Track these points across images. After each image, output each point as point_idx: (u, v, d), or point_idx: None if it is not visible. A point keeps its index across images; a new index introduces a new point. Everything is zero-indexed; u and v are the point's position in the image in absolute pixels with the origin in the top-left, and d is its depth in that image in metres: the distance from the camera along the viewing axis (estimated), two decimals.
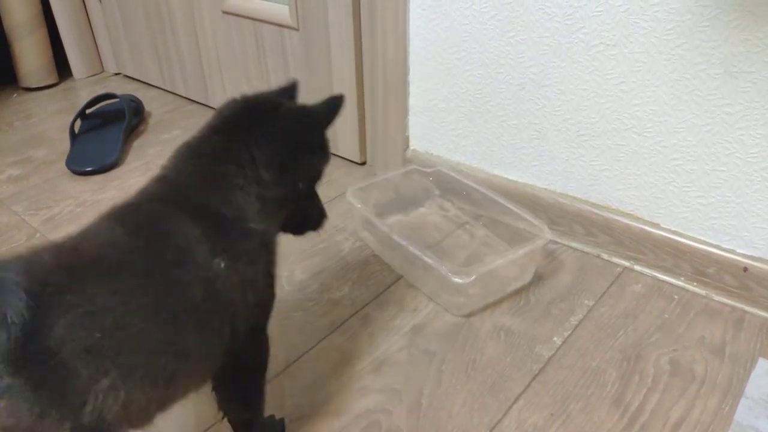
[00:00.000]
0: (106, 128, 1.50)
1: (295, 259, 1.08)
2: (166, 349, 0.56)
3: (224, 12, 1.44)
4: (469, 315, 0.95)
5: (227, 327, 0.62)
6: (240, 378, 0.70)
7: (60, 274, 0.51)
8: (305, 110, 0.73)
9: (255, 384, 0.72)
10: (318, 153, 0.74)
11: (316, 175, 0.76)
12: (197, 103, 1.69)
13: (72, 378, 0.48)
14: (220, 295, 0.60)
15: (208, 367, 0.64)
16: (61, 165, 1.39)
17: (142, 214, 0.63)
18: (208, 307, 0.60)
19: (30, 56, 1.75)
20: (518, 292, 0.99)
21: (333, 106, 0.74)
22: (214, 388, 0.70)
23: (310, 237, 1.11)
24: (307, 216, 0.78)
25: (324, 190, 1.27)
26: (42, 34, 1.74)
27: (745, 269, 0.94)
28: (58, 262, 0.53)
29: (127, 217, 0.62)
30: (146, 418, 0.58)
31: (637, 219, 1.03)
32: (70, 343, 0.48)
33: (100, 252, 0.56)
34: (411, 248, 0.94)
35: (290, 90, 0.77)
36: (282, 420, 0.79)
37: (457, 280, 0.89)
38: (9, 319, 0.44)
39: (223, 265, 0.60)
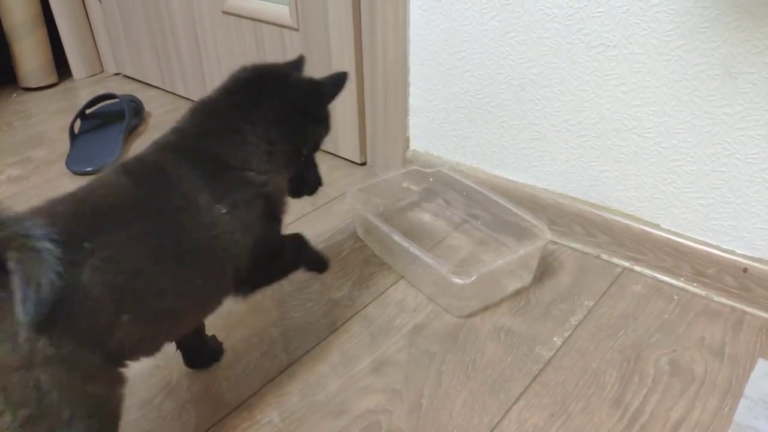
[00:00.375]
0: (105, 128, 1.50)
1: None
2: (175, 288, 0.63)
3: (224, 12, 1.44)
4: (469, 315, 0.95)
5: (230, 267, 0.68)
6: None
7: (78, 224, 0.58)
8: (313, 82, 0.80)
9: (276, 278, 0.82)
10: (321, 123, 0.81)
11: (317, 145, 0.83)
12: None
13: (99, 315, 0.56)
14: (221, 239, 0.66)
15: (214, 303, 0.70)
16: (61, 165, 1.39)
17: (148, 165, 0.68)
18: (211, 250, 0.65)
19: (30, 56, 1.75)
20: (518, 292, 0.99)
21: (338, 80, 0.80)
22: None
23: (309, 237, 1.11)
24: (304, 181, 0.83)
25: (324, 191, 1.27)
26: (42, 34, 1.74)
27: (745, 270, 0.94)
28: (75, 213, 0.60)
29: (133, 167, 0.68)
30: (157, 347, 0.66)
31: (637, 219, 1.03)
32: (96, 285, 0.55)
33: (109, 202, 0.62)
34: (411, 249, 0.94)
35: (298, 63, 0.84)
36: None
37: (457, 280, 0.89)
38: (49, 282, 0.51)
39: (224, 211, 0.66)
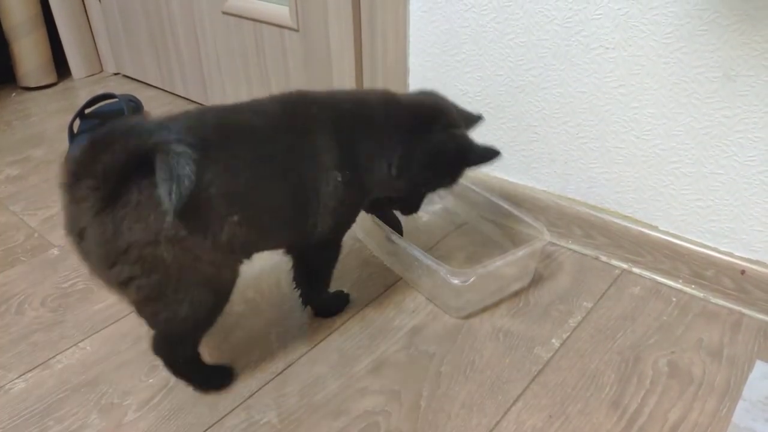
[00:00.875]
0: None
1: None
2: (273, 209, 0.76)
3: (224, 12, 1.44)
4: (468, 316, 0.95)
5: (314, 219, 0.80)
6: (310, 269, 0.91)
7: (216, 134, 0.71)
8: (465, 146, 0.88)
9: (320, 275, 0.91)
10: (448, 179, 0.91)
11: (435, 189, 0.94)
12: (196, 103, 1.69)
13: (215, 211, 0.70)
14: (323, 195, 0.79)
15: (291, 236, 0.83)
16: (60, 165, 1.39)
17: (304, 113, 0.79)
18: (310, 201, 0.78)
19: (29, 56, 1.75)
20: (517, 293, 1.00)
21: (489, 156, 0.90)
22: (293, 267, 0.91)
23: None
24: (406, 203, 0.94)
25: None
26: (41, 33, 1.74)
27: (743, 272, 0.94)
28: (218, 124, 0.73)
29: (292, 107, 0.79)
30: (250, 251, 0.79)
31: (636, 221, 1.03)
32: (215, 186, 0.68)
33: (253, 123, 0.75)
34: (410, 250, 0.94)
35: (471, 120, 0.94)
36: (347, 295, 0.98)
37: (456, 281, 0.89)
38: (187, 178, 0.63)
39: (339, 178, 0.79)
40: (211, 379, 0.84)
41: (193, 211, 0.66)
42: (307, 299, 0.94)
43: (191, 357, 0.82)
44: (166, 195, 0.63)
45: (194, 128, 0.69)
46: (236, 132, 0.73)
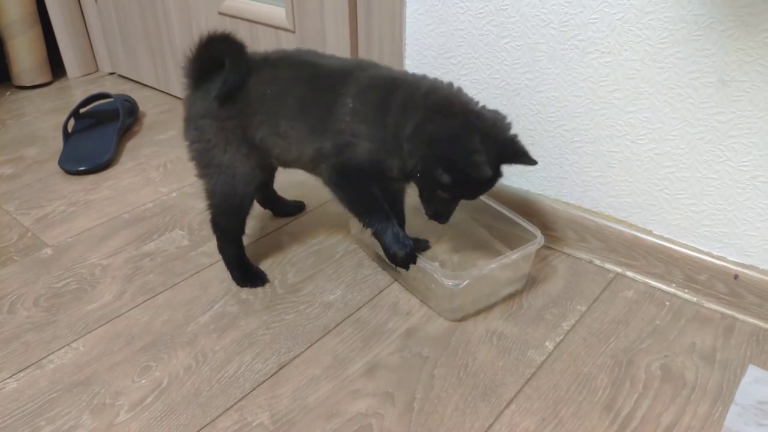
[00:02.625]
0: (99, 128, 1.49)
1: (289, 261, 1.08)
2: (293, 120, 0.92)
3: (220, 13, 1.43)
4: (462, 319, 0.95)
5: (328, 141, 0.90)
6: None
7: (257, 63, 0.93)
8: (477, 167, 0.82)
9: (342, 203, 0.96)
10: (449, 191, 0.89)
11: (436, 188, 0.89)
12: None
13: (252, 107, 0.92)
14: (335, 118, 0.89)
15: (305, 154, 0.94)
16: (54, 164, 1.39)
17: (337, 69, 0.93)
18: (325, 118, 0.90)
19: (24, 55, 1.74)
20: (511, 296, 1.00)
21: (492, 179, 0.87)
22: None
23: (303, 240, 1.11)
24: (425, 199, 0.93)
25: (319, 193, 1.28)
26: (36, 32, 1.74)
27: (736, 277, 0.95)
28: (259, 57, 0.95)
29: (329, 60, 0.96)
30: (269, 153, 0.96)
31: (630, 225, 1.03)
32: (253, 90, 0.92)
33: (283, 56, 0.97)
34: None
35: (502, 128, 0.88)
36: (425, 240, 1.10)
37: (450, 284, 0.89)
38: (229, 84, 0.91)
39: (350, 105, 0.89)
40: (247, 277, 1.03)
41: (233, 103, 0.92)
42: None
43: (236, 246, 1.03)
44: (216, 88, 0.91)
45: (257, 57, 0.94)
46: (279, 61, 0.95)
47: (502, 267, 0.94)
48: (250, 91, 0.92)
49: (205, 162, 0.97)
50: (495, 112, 0.89)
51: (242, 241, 1.03)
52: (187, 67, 0.94)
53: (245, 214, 1.01)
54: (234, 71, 0.90)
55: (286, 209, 1.21)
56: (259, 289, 1.01)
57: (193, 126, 0.96)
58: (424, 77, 0.92)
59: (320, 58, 0.96)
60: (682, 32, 0.86)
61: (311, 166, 0.96)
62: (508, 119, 0.88)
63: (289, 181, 1.19)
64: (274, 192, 1.19)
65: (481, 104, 0.89)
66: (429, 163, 0.85)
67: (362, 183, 0.92)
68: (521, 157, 0.88)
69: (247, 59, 0.92)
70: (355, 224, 1.12)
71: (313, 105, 0.92)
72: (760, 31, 0.80)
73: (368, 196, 0.92)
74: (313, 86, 0.92)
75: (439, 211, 0.92)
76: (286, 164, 1.00)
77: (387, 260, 0.93)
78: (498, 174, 0.88)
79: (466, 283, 0.89)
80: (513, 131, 0.88)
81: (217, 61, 0.91)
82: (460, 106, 0.87)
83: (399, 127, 0.87)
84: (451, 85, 0.90)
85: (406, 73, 0.96)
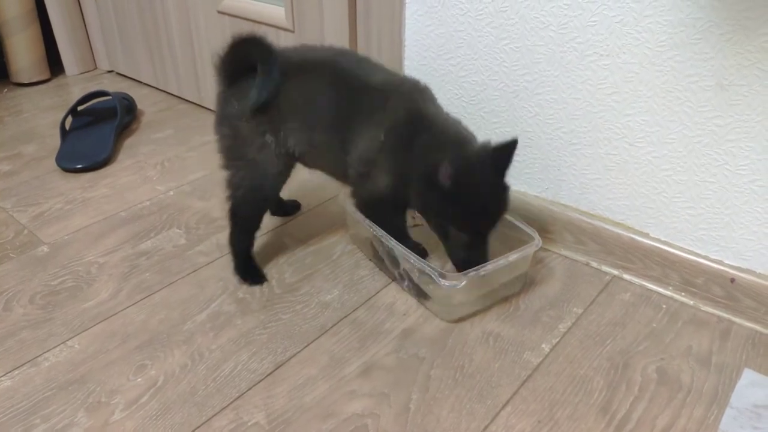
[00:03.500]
0: (97, 126, 1.49)
1: (286, 261, 1.08)
2: (325, 134, 0.95)
3: (219, 12, 1.43)
4: (459, 320, 0.95)
5: (354, 164, 0.94)
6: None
7: (293, 66, 0.93)
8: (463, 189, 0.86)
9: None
10: (430, 210, 0.92)
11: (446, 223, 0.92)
12: (190, 102, 1.68)
13: (284, 114, 0.94)
14: (365, 145, 0.92)
15: (330, 166, 1.01)
16: (51, 161, 1.38)
17: (377, 88, 0.93)
18: (356, 141, 0.93)
19: (22, 52, 1.73)
20: (508, 298, 1.00)
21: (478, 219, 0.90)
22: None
23: (300, 240, 1.11)
24: (447, 243, 0.94)
25: (317, 193, 1.27)
26: (35, 29, 1.73)
27: (733, 280, 0.95)
28: (295, 59, 0.95)
29: (368, 72, 0.95)
30: (300, 157, 0.99)
31: (627, 228, 1.03)
32: (284, 96, 0.93)
33: (321, 62, 0.96)
34: (402, 252, 0.94)
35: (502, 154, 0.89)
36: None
37: (447, 284, 0.89)
38: (264, 94, 0.91)
39: (381, 139, 0.91)
40: (249, 273, 1.03)
41: (266, 108, 0.93)
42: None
43: (246, 242, 1.04)
44: (254, 95, 0.91)
45: (281, 60, 0.92)
46: (308, 66, 0.95)
47: (499, 268, 0.94)
48: (282, 98, 0.92)
49: (235, 155, 0.98)
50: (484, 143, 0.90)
51: (255, 237, 1.04)
52: (219, 66, 0.95)
53: (266, 209, 1.05)
54: (266, 81, 0.90)
55: (284, 209, 1.21)
56: (256, 289, 1.01)
57: (226, 124, 0.97)
58: (454, 122, 0.94)
59: (364, 69, 0.95)
60: (681, 36, 0.86)
61: (343, 179, 1.00)
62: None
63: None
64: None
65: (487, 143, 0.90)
66: (423, 174, 0.87)
67: (386, 214, 0.97)
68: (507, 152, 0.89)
69: (277, 66, 0.91)
70: (352, 225, 1.12)
71: (345, 123, 0.93)
72: (759, 35, 0.80)
73: (392, 228, 0.97)
74: (351, 103, 0.92)
75: (465, 258, 0.91)
76: (319, 169, 1.04)
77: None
78: (505, 187, 0.90)
79: (463, 284, 0.89)
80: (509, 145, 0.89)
81: (249, 63, 0.91)
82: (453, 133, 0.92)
83: (417, 166, 0.89)
84: (473, 136, 0.93)
85: (438, 112, 0.95)
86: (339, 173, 1.00)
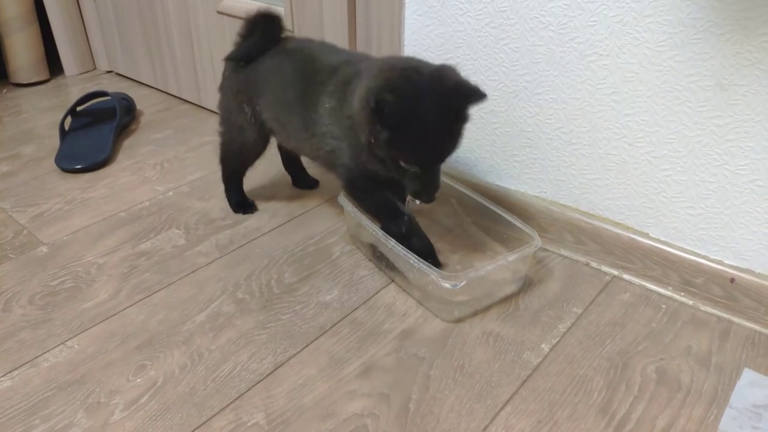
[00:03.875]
0: (96, 126, 1.49)
1: (285, 261, 1.08)
2: (289, 113, 1.02)
3: (219, 12, 1.43)
4: (458, 320, 0.95)
5: (319, 144, 0.98)
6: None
7: (283, 47, 1.04)
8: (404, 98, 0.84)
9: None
10: (398, 145, 0.87)
11: (398, 162, 0.88)
12: (189, 102, 1.68)
13: (260, 88, 1.04)
14: (319, 119, 0.96)
15: (299, 142, 1.05)
16: (51, 162, 1.38)
17: (331, 65, 0.97)
18: (314, 118, 0.97)
19: (21, 52, 1.73)
20: (508, 298, 1.00)
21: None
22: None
23: (300, 240, 1.11)
24: (403, 181, 0.91)
25: (316, 193, 1.27)
26: (34, 30, 1.73)
27: (733, 280, 0.95)
28: (287, 46, 1.04)
29: (334, 55, 1.00)
30: (273, 131, 1.08)
31: (627, 228, 1.03)
32: (264, 72, 1.03)
33: (304, 50, 1.02)
34: (402, 252, 0.94)
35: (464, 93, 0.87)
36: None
37: (447, 285, 0.89)
38: (244, 54, 1.05)
39: (327, 105, 0.94)
40: (240, 204, 1.21)
41: (247, 78, 1.05)
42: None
43: (234, 182, 1.21)
44: (234, 50, 1.06)
45: (286, 46, 1.04)
46: (300, 54, 1.01)
47: (499, 269, 0.94)
48: (261, 73, 1.03)
49: (224, 116, 1.12)
50: (439, 66, 0.87)
51: (242, 176, 1.21)
52: (237, 42, 1.06)
53: (249, 163, 1.18)
54: (249, 44, 1.03)
55: (304, 181, 1.29)
56: (255, 289, 1.01)
57: (223, 88, 1.11)
58: (385, 58, 0.96)
59: (327, 53, 1.00)
60: (681, 36, 0.86)
61: (315, 160, 1.06)
62: (453, 65, 0.88)
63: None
64: (298, 161, 1.28)
65: (433, 64, 0.88)
66: (363, 123, 0.86)
67: (367, 190, 0.97)
68: (470, 95, 0.86)
69: (269, 38, 1.04)
70: (351, 224, 1.12)
71: (304, 102, 0.97)
72: (759, 35, 0.80)
73: (377, 204, 0.97)
74: (308, 82, 0.97)
75: (418, 189, 0.90)
76: (294, 150, 1.15)
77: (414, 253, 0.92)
78: (461, 120, 0.87)
79: (463, 284, 0.89)
80: (462, 74, 0.87)
81: (260, 41, 1.04)
82: (399, 67, 0.87)
83: (352, 114, 0.90)
84: (410, 58, 0.94)
85: (369, 58, 0.99)
86: (313, 155, 1.05)
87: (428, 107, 0.83)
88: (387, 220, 0.97)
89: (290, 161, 1.28)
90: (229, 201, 1.22)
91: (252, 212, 1.20)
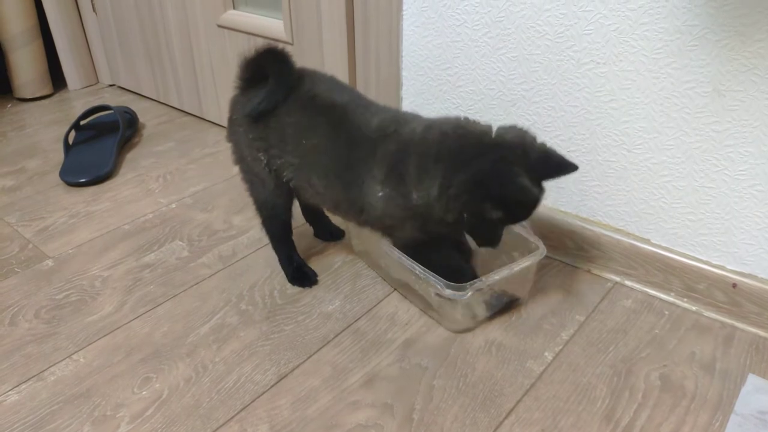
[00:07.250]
0: (100, 140, 1.50)
1: None
2: (326, 179, 0.92)
3: (219, 26, 1.44)
4: (463, 330, 0.95)
5: (363, 214, 0.92)
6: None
7: (309, 99, 0.93)
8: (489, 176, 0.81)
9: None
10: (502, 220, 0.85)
11: (485, 222, 0.85)
12: (191, 115, 1.70)
13: (284, 145, 0.93)
14: (362, 196, 0.89)
15: (342, 208, 0.96)
16: (55, 176, 1.39)
17: (367, 137, 0.89)
18: (360, 190, 0.89)
19: (25, 67, 1.75)
20: (510, 306, 1.00)
21: (522, 192, 0.82)
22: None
23: (301, 250, 1.11)
24: (473, 233, 0.88)
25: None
26: (38, 45, 1.75)
27: (735, 285, 0.95)
28: (307, 90, 0.93)
29: (367, 117, 0.91)
30: (293, 185, 0.97)
31: (627, 234, 1.03)
32: (289, 129, 0.93)
33: (336, 107, 0.91)
34: (404, 261, 0.94)
35: (558, 168, 0.86)
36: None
37: (451, 294, 0.89)
38: (260, 108, 0.93)
39: (380, 194, 0.88)
40: (297, 276, 1.05)
41: (266, 128, 0.94)
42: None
43: (283, 247, 1.07)
44: (254, 103, 0.93)
45: (315, 91, 0.93)
46: (332, 114, 0.91)
47: (504, 278, 0.93)
48: (285, 128, 0.93)
49: (243, 168, 1.01)
50: (514, 129, 0.84)
51: (292, 241, 1.07)
52: (240, 69, 0.96)
53: (285, 219, 1.03)
54: (270, 94, 0.91)
55: (328, 231, 1.17)
56: (259, 300, 1.02)
57: (231, 131, 1.00)
58: (428, 126, 0.87)
59: (360, 112, 0.91)
60: (677, 43, 0.86)
61: (360, 225, 0.96)
62: (531, 132, 0.85)
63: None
64: (321, 210, 1.15)
65: (493, 127, 0.85)
66: (475, 207, 0.82)
67: (424, 253, 0.92)
68: (560, 167, 0.85)
69: (287, 85, 0.92)
70: (353, 235, 1.12)
71: (346, 180, 0.90)
72: (755, 41, 0.81)
73: (440, 265, 0.91)
74: (348, 158, 0.89)
75: (490, 238, 0.88)
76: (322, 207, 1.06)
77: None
78: (542, 190, 0.85)
79: (468, 294, 0.89)
80: (540, 141, 0.84)
81: (266, 73, 0.93)
82: (475, 142, 0.83)
83: (420, 192, 0.84)
84: (458, 119, 0.87)
85: (415, 130, 0.88)
86: (358, 224, 0.96)
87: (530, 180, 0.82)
88: (450, 278, 0.90)
89: (310, 210, 1.15)
90: (285, 272, 1.07)
91: (310, 286, 1.05)
